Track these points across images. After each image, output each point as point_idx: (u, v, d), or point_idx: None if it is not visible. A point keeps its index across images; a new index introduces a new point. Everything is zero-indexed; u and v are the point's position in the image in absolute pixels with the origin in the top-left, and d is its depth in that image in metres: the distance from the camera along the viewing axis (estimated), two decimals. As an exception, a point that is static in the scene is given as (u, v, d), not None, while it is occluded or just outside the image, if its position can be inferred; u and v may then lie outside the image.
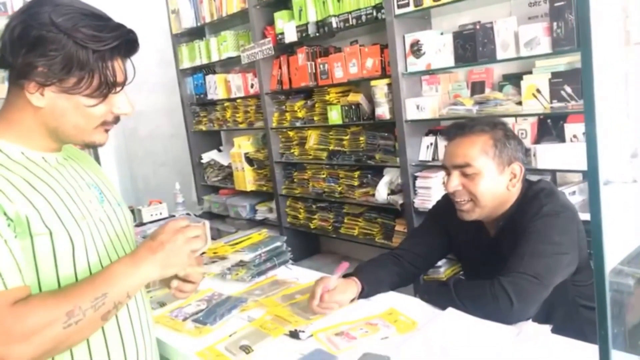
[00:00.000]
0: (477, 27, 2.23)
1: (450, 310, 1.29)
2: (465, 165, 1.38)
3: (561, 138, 2.11)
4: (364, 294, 1.44)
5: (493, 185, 1.38)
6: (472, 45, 2.23)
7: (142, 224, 2.51)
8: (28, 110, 0.90)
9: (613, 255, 0.58)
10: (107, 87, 0.91)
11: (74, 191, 0.96)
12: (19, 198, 0.85)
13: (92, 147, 1.01)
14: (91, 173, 1.06)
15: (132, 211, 2.65)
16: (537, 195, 1.38)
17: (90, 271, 0.94)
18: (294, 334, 1.27)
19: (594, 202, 0.55)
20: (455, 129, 1.45)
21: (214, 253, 1.79)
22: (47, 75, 0.86)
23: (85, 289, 0.86)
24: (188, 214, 2.68)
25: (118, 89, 0.93)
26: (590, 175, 0.56)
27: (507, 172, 1.39)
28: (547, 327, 1.18)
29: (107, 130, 0.98)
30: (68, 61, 0.86)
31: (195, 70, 3.94)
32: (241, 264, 1.73)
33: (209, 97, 3.82)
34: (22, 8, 0.89)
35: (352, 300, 1.42)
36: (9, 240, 0.82)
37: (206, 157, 4.04)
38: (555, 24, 1.97)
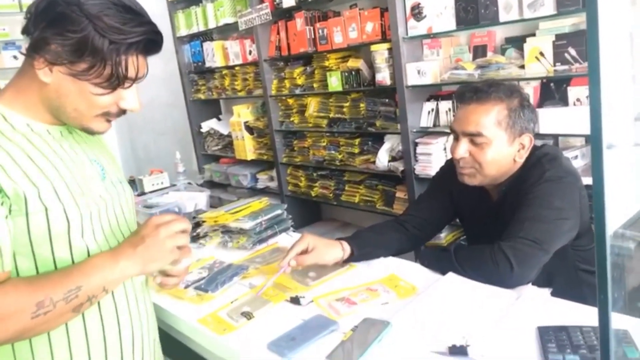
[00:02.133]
0: (480, -12, 2.17)
1: (451, 275, 1.29)
2: (476, 134, 1.35)
3: (564, 102, 2.08)
4: (355, 258, 1.44)
5: (500, 156, 1.36)
6: (474, 8, 2.18)
7: (143, 193, 2.51)
8: (35, 83, 0.89)
9: (614, 219, 0.57)
10: (117, 81, 0.89)
11: (75, 166, 0.95)
12: (18, 174, 0.84)
13: (90, 133, 0.99)
14: (95, 148, 1.05)
15: (133, 181, 2.64)
16: (540, 161, 1.36)
17: (88, 253, 0.93)
18: (295, 300, 1.28)
19: (596, 165, 0.54)
20: (471, 92, 1.38)
21: (215, 221, 1.79)
22: (59, 55, 0.85)
23: (60, 279, 0.85)
24: (190, 183, 2.68)
25: (128, 84, 0.91)
26: (594, 139, 0.54)
27: (516, 143, 1.36)
28: (546, 291, 1.19)
29: (109, 121, 0.96)
30: (82, 46, 0.84)
31: (192, 37, 3.87)
32: (242, 232, 1.73)
33: (207, 64, 3.76)
34: None
35: (350, 265, 1.43)
36: (11, 214, 0.81)
37: (205, 126, 4.01)
38: (560, -17, 1.92)
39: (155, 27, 0.91)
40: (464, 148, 1.38)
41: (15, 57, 3.87)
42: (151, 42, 0.91)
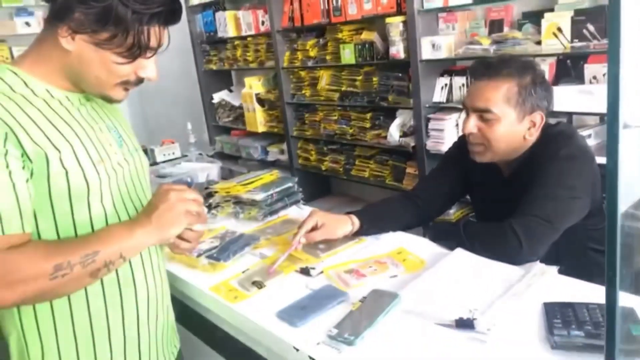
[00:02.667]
0: (499, -40, 2.12)
1: (459, 250, 1.30)
2: (485, 110, 1.34)
3: (580, 79, 2.05)
4: (363, 231, 1.46)
5: (509, 133, 1.35)
6: (493, -19, 2.14)
7: (155, 163, 2.54)
8: (57, 50, 0.90)
9: (626, 199, 0.58)
10: (139, 50, 0.90)
11: (94, 133, 0.96)
12: (40, 137, 0.86)
13: (109, 101, 1.00)
14: (111, 116, 1.07)
15: (145, 150, 2.67)
16: (555, 138, 1.35)
17: (106, 218, 0.95)
18: (305, 271, 1.30)
19: (611, 145, 0.54)
20: (482, 67, 1.38)
21: (227, 192, 1.81)
22: (82, 23, 0.86)
23: (78, 244, 0.88)
24: (200, 154, 2.69)
25: (149, 54, 0.92)
26: (610, 118, 0.54)
27: (526, 120, 1.35)
28: (554, 268, 1.20)
29: (126, 89, 0.97)
30: (106, 15, 0.85)
31: (204, 7, 3.84)
32: (253, 203, 1.75)
33: (219, 34, 3.74)
34: None
35: (359, 239, 1.45)
36: (17, 184, 0.83)
37: (217, 97, 4.01)
38: (581, -43, 1.87)
39: None
40: (472, 123, 1.38)
41: (27, 23, 3.87)
42: (171, 12, 0.92)
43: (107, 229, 0.93)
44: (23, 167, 0.84)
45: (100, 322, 0.97)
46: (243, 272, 1.33)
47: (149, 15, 0.88)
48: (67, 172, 0.88)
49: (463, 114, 1.49)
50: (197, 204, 1.01)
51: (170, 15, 0.92)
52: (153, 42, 0.92)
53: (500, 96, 1.33)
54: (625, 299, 0.59)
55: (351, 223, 1.44)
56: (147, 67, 0.95)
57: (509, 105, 1.33)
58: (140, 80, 0.97)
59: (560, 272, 1.19)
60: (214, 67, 3.95)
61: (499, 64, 1.36)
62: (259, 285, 1.25)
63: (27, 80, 0.90)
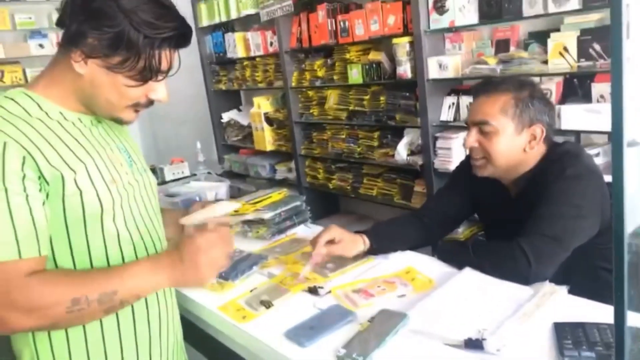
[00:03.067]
0: (504, -19, 2.15)
1: (468, 270, 1.30)
2: (482, 123, 1.38)
3: (587, 98, 2.06)
4: (373, 251, 1.46)
5: (508, 146, 1.37)
6: (498, 2, 2.16)
7: (164, 182, 2.56)
8: (70, 74, 0.92)
9: (633, 218, 0.58)
10: (150, 74, 0.92)
11: (106, 154, 0.98)
12: (55, 158, 0.88)
13: (119, 123, 1.02)
14: (121, 137, 1.09)
15: (154, 170, 2.69)
16: (561, 158, 1.36)
17: (118, 237, 0.96)
18: (313, 290, 1.30)
19: (616, 163, 0.54)
20: (481, 85, 1.45)
21: (235, 212, 1.82)
22: (95, 48, 0.88)
23: (98, 280, 0.88)
24: (209, 173, 2.71)
25: (160, 77, 0.94)
26: (615, 136, 0.55)
27: (525, 133, 1.37)
28: (564, 288, 1.19)
29: (137, 111, 0.99)
30: (118, 40, 0.87)
31: (214, 28, 3.90)
32: (261, 222, 1.75)
33: (229, 55, 3.79)
34: None
35: (367, 259, 1.44)
36: (34, 207, 0.84)
37: (226, 116, 4.05)
38: (586, -22, 1.89)
39: (185, 22, 0.94)
40: (472, 137, 1.41)
41: (41, 45, 3.95)
42: (182, 36, 0.94)
43: (129, 268, 0.93)
44: (40, 190, 0.86)
45: (113, 340, 0.98)
46: (251, 291, 1.33)
47: (160, 40, 0.90)
48: (81, 193, 0.90)
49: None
50: (226, 260, 1.02)
51: (181, 39, 0.94)
52: (164, 66, 0.93)
53: (496, 108, 1.36)
54: (635, 319, 0.59)
55: (363, 243, 1.44)
56: (158, 89, 0.97)
57: (505, 117, 1.35)
58: (150, 103, 0.99)
59: (571, 291, 1.18)
60: (223, 87, 4.00)
61: (497, 81, 1.42)
62: (267, 304, 1.24)
63: (41, 103, 0.92)
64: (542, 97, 1.41)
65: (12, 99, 0.91)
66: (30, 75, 3.96)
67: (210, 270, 0.99)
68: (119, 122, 1.01)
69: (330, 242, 1.40)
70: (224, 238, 1.01)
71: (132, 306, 0.99)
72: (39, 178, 0.85)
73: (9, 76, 3.95)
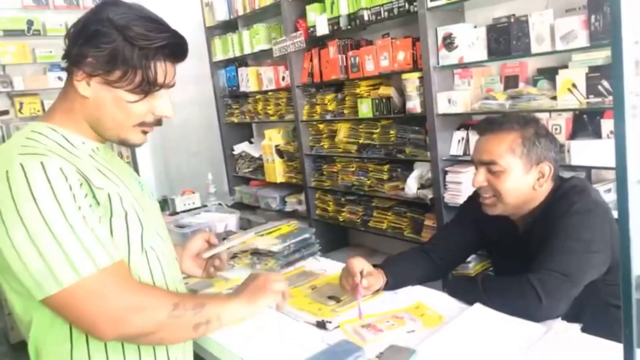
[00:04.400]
0: (512, 20, 2.19)
1: (478, 305, 1.28)
2: (490, 163, 1.38)
3: (597, 134, 2.06)
4: (388, 287, 1.45)
5: (518, 184, 1.37)
6: (506, 39, 2.20)
7: (175, 213, 2.58)
8: (77, 100, 0.96)
9: (642, 255, 0.58)
10: (148, 85, 0.95)
11: (126, 179, 1.02)
12: (98, 179, 0.92)
13: (128, 146, 1.06)
14: (125, 165, 1.14)
15: (166, 200, 2.72)
16: (568, 193, 1.36)
17: (147, 259, 0.99)
18: (321, 324, 1.29)
19: (622, 200, 0.55)
20: (485, 124, 1.44)
21: (243, 243, 1.82)
22: (94, 66, 0.92)
23: (187, 294, 0.96)
24: (220, 204, 2.74)
25: (157, 88, 0.97)
26: (619, 173, 0.55)
27: (534, 171, 1.37)
28: (576, 326, 1.17)
29: (145, 132, 1.02)
30: (114, 55, 0.91)
31: (228, 62, 3.99)
32: (270, 254, 1.76)
33: (241, 89, 3.87)
34: (92, 9, 0.96)
35: (377, 292, 1.43)
36: (94, 226, 0.88)
37: (238, 148, 4.10)
38: (593, 16, 1.92)
39: (177, 33, 0.97)
40: (481, 177, 1.41)
41: (59, 78, 4.05)
42: (176, 47, 0.97)
43: (204, 294, 1.00)
44: (93, 212, 0.90)
45: None
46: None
47: (154, 50, 0.93)
48: (126, 214, 0.94)
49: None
50: (283, 283, 1.12)
51: (175, 49, 0.97)
52: (160, 77, 0.96)
53: (504, 148, 1.36)
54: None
55: (382, 276, 1.44)
56: (162, 105, 0.99)
57: (514, 156, 1.36)
58: (158, 122, 1.01)
59: (583, 329, 1.16)
60: (236, 120, 4.06)
61: (501, 119, 1.42)
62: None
63: (64, 134, 0.96)
64: (547, 134, 1.41)
65: (40, 133, 0.94)
66: (47, 106, 4.06)
67: (271, 285, 1.09)
68: (128, 144, 1.04)
69: (360, 273, 1.38)
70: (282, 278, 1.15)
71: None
72: (93, 197, 0.90)
73: (27, 107, 4.05)
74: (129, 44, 0.91)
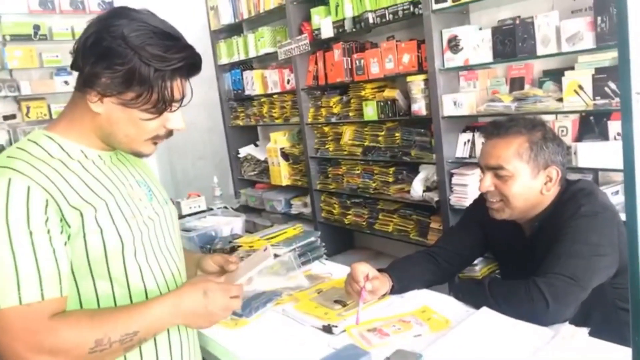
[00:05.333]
0: (517, 22, 2.18)
1: (485, 309, 1.28)
2: (498, 167, 1.37)
3: (604, 136, 2.05)
4: (394, 291, 1.44)
5: (525, 189, 1.36)
6: (512, 41, 2.19)
7: (181, 216, 2.58)
8: (88, 114, 0.94)
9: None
10: (164, 105, 0.93)
11: (125, 189, 1.00)
12: (76, 198, 0.90)
13: (139, 156, 1.04)
14: (140, 171, 1.11)
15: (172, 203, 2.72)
16: (575, 196, 1.35)
17: (140, 272, 0.97)
18: (327, 329, 1.29)
19: (629, 203, 0.54)
20: (492, 127, 1.43)
21: (250, 247, 1.83)
22: (109, 87, 0.90)
23: (120, 320, 0.89)
24: (225, 207, 2.73)
25: (174, 107, 0.96)
26: (627, 175, 0.55)
27: (542, 175, 1.36)
28: (584, 330, 1.16)
29: (155, 143, 1.01)
30: (130, 76, 0.89)
31: (233, 66, 4.00)
32: (276, 258, 1.75)
33: (246, 92, 3.88)
34: (102, 16, 0.93)
35: (384, 296, 1.43)
36: (57, 249, 0.86)
37: (243, 151, 4.11)
38: (599, 18, 1.92)
39: (194, 50, 0.95)
40: (488, 182, 1.40)
41: (66, 82, 4.08)
42: (192, 66, 0.95)
43: (151, 309, 0.92)
44: (61, 232, 0.87)
45: None
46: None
47: (170, 72, 0.91)
48: (101, 230, 0.91)
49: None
50: (235, 304, 1.02)
51: (191, 68, 0.96)
52: (177, 95, 0.95)
53: (511, 152, 1.35)
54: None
55: (388, 280, 1.43)
56: (174, 119, 0.98)
57: (521, 161, 1.35)
58: (170, 133, 1.00)
59: (591, 333, 1.15)
60: (241, 123, 4.07)
61: (507, 123, 1.40)
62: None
63: (62, 144, 0.95)
64: (554, 137, 1.40)
65: (35, 142, 0.93)
66: (55, 110, 4.08)
67: (224, 318, 1.03)
68: (138, 155, 1.03)
69: (365, 277, 1.38)
70: (242, 292, 1.05)
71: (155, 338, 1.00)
72: (61, 220, 0.87)
73: (34, 111, 4.08)
74: (145, 64, 0.89)
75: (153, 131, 0.97)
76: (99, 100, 0.91)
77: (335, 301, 1.44)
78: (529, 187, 1.36)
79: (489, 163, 1.39)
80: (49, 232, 0.85)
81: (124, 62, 0.88)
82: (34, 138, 0.95)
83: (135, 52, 0.88)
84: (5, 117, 3.99)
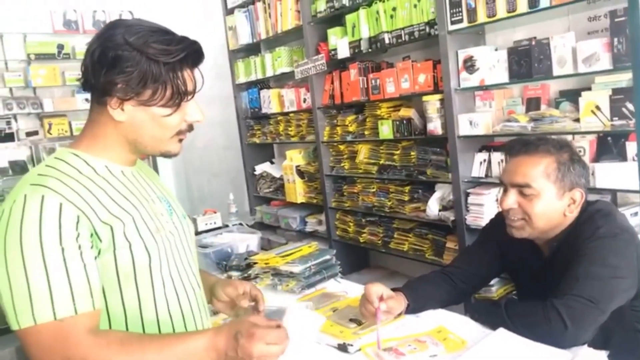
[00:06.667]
0: (533, 43, 2.20)
1: (501, 330, 1.27)
2: (524, 186, 1.35)
3: (622, 157, 2.04)
4: (409, 310, 1.44)
5: (550, 209, 1.35)
6: (527, 62, 2.20)
7: (197, 233, 2.60)
8: (110, 125, 0.98)
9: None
10: (180, 96, 0.97)
11: (148, 204, 1.03)
12: (105, 214, 0.93)
13: (168, 157, 1.06)
14: (160, 186, 1.14)
15: (188, 220, 2.74)
16: (593, 217, 1.34)
17: (164, 288, 0.99)
18: (343, 347, 1.29)
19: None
20: (520, 145, 1.40)
21: (266, 264, 1.84)
22: (126, 90, 0.93)
23: (149, 351, 0.88)
24: (241, 224, 2.76)
25: (189, 97, 0.99)
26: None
27: (566, 197, 1.35)
28: (603, 353, 1.15)
29: (180, 140, 1.04)
30: (143, 75, 0.93)
31: (250, 85, 4.06)
32: (291, 275, 1.76)
33: (263, 111, 3.92)
34: (98, 33, 0.97)
35: (399, 316, 1.43)
36: (88, 264, 0.89)
37: (259, 168, 4.14)
38: (615, 39, 1.92)
39: (191, 39, 0.99)
40: (512, 199, 1.37)
41: (87, 100, 4.15)
42: (195, 53, 0.99)
43: (185, 343, 0.90)
44: (92, 247, 0.90)
45: None
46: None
47: (178, 62, 0.95)
48: (130, 245, 0.94)
49: (501, 190, 1.50)
50: (274, 350, 0.92)
51: (195, 56, 0.99)
52: (190, 85, 0.98)
53: (539, 171, 1.34)
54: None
55: (403, 300, 1.43)
56: (191, 111, 1.01)
57: (548, 181, 1.33)
58: (190, 127, 1.03)
59: (610, 356, 1.14)
60: (257, 141, 4.11)
61: (536, 142, 1.39)
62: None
63: (87, 160, 0.98)
64: (580, 159, 1.39)
65: (63, 160, 0.96)
66: (76, 127, 4.17)
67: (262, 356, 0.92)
68: (168, 155, 1.05)
69: (379, 298, 1.37)
70: (283, 338, 0.94)
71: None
72: (92, 235, 0.90)
73: (56, 128, 4.17)
74: (154, 61, 0.93)
75: (175, 127, 1.00)
76: (120, 107, 0.95)
77: (351, 320, 1.45)
78: (553, 207, 1.35)
79: (515, 180, 1.37)
80: (79, 247, 0.88)
81: (134, 63, 0.92)
82: (61, 156, 0.98)
83: (141, 52, 0.92)
84: (28, 134, 4.09)
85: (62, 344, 0.84)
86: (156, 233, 0.99)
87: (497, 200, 2.44)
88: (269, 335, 0.91)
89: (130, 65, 0.92)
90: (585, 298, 1.20)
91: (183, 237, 1.10)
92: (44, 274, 0.84)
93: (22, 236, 0.85)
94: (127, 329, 0.96)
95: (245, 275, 1.89)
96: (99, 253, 0.91)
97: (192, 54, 0.97)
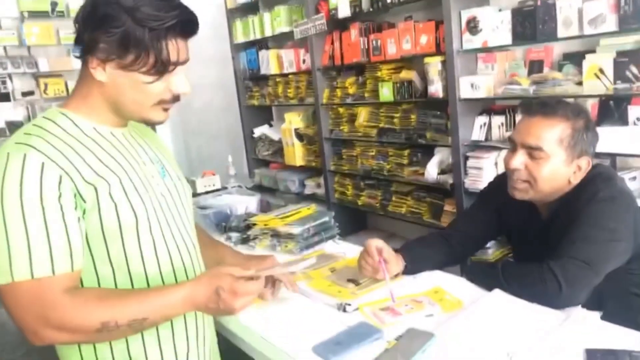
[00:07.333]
0: (538, 3, 2.15)
1: (497, 291, 1.29)
2: (535, 148, 1.32)
3: (624, 121, 2.02)
4: (407, 271, 1.46)
5: (556, 174, 1.34)
6: (532, 23, 2.16)
7: (196, 194, 2.61)
8: (94, 85, 0.96)
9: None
10: (162, 66, 0.94)
11: (138, 166, 1.02)
12: (90, 174, 0.92)
13: (151, 124, 1.05)
14: (154, 147, 1.12)
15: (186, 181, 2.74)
16: (593, 180, 1.34)
17: (154, 247, 0.99)
18: (341, 307, 1.31)
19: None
20: (538, 106, 1.37)
21: (265, 225, 1.85)
22: (107, 52, 0.91)
23: (129, 305, 0.91)
24: (240, 187, 2.76)
25: (172, 67, 0.95)
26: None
27: (574, 164, 1.34)
28: (596, 314, 1.17)
29: (166, 110, 1.01)
30: (125, 39, 0.90)
31: (248, 45, 3.99)
32: (290, 236, 1.78)
33: (262, 72, 3.87)
34: None
35: (396, 276, 1.45)
36: (69, 225, 0.88)
37: (258, 131, 4.12)
38: (623, 0, 1.88)
39: (187, 9, 0.95)
40: (520, 159, 1.35)
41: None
42: (187, 24, 0.95)
43: (164, 297, 0.94)
44: (75, 208, 0.90)
45: (153, 347, 1.01)
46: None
47: (164, 31, 0.92)
48: (116, 205, 0.93)
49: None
50: (250, 297, 0.98)
51: (186, 26, 0.95)
52: (173, 56, 0.94)
53: (554, 135, 1.31)
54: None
55: (402, 261, 1.44)
56: (178, 82, 0.98)
57: (560, 146, 1.32)
58: (176, 98, 1.00)
59: (604, 317, 1.16)
60: (256, 103, 4.07)
61: (555, 104, 1.35)
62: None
63: (75, 120, 0.97)
64: (593, 127, 1.36)
65: (51, 119, 0.95)
66: (72, 88, 4.12)
67: (240, 311, 0.98)
68: (150, 123, 1.03)
69: (379, 253, 1.38)
70: (260, 287, 1.01)
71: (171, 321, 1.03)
72: (75, 196, 0.89)
73: (52, 88, 4.13)
74: (139, 25, 0.90)
75: (158, 95, 0.97)
76: (100, 67, 0.93)
77: (349, 280, 1.46)
78: (559, 173, 1.34)
79: (527, 141, 1.34)
80: (61, 208, 0.88)
81: (119, 24, 0.90)
82: (50, 115, 0.96)
83: (129, 14, 0.89)
84: (24, 94, 4.05)
85: (39, 304, 0.86)
86: (144, 195, 0.98)
87: (496, 163, 2.43)
88: (249, 288, 0.96)
89: (115, 25, 0.90)
90: (581, 260, 1.22)
91: (177, 198, 1.10)
92: (23, 233, 0.85)
93: (3, 194, 0.85)
94: (115, 286, 0.97)
95: (245, 236, 1.91)
96: (83, 213, 0.91)
97: (182, 23, 0.94)
